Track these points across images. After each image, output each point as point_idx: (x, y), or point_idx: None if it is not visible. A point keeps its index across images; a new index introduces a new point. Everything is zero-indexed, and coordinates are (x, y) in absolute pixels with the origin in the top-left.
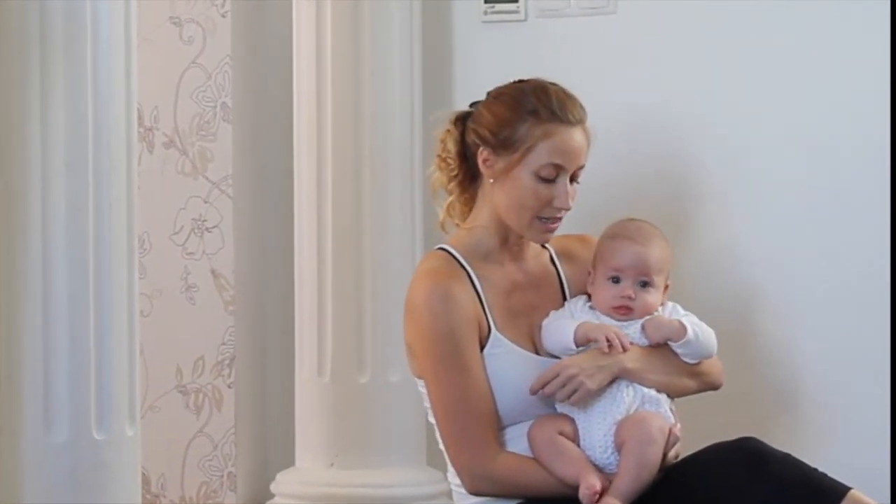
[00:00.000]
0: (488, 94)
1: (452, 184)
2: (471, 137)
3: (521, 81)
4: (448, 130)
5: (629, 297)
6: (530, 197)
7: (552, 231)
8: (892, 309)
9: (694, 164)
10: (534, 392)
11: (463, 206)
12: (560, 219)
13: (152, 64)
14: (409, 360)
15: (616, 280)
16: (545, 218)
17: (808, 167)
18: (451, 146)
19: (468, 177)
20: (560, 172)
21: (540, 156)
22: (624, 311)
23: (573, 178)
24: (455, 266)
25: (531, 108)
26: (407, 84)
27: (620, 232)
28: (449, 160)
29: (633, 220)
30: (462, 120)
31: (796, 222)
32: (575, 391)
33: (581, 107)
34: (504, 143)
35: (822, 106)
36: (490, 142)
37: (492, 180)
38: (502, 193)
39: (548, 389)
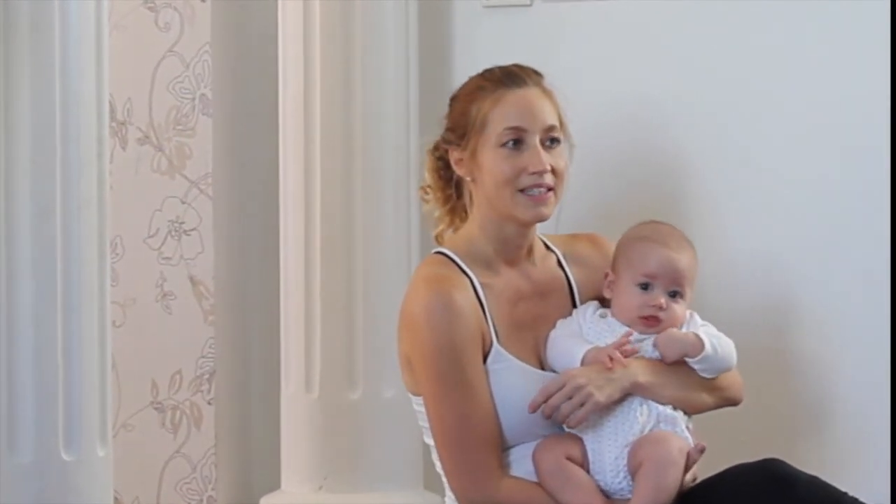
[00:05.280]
0: (449, 99)
1: (442, 212)
2: (442, 149)
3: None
4: (426, 161)
5: (660, 307)
6: (501, 171)
7: (544, 202)
8: None
9: (712, 160)
10: (534, 408)
11: (458, 228)
12: (548, 187)
13: (125, 52)
14: (403, 375)
15: (646, 287)
16: (527, 190)
17: (844, 169)
18: (429, 175)
19: (461, 201)
20: (523, 136)
21: (495, 125)
22: (653, 321)
23: (549, 144)
24: (456, 272)
25: (478, 87)
26: (402, 75)
27: (650, 235)
28: (428, 189)
29: (658, 222)
30: (437, 145)
31: (828, 227)
32: (582, 405)
33: (535, 72)
34: (463, 132)
35: (851, 105)
36: (453, 140)
37: (469, 178)
38: (480, 184)
39: (552, 402)
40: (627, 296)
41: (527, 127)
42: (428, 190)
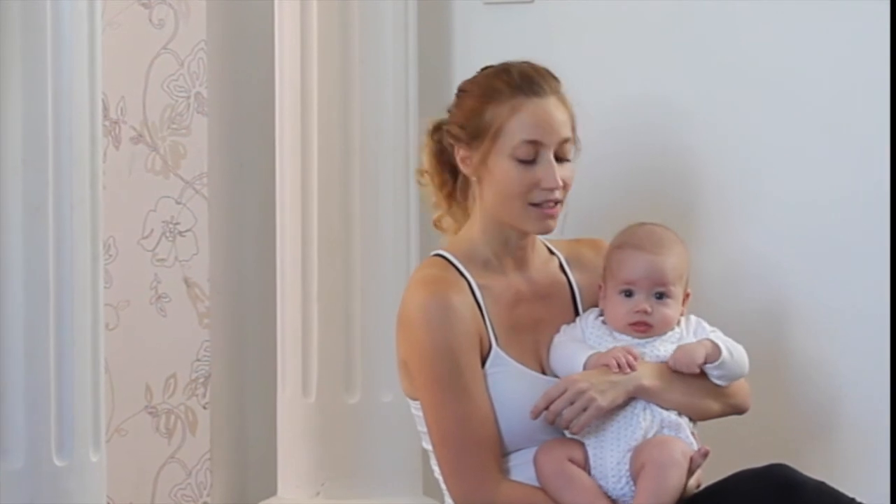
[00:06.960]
0: (457, 88)
1: (439, 197)
2: (446, 140)
3: (486, 68)
4: (425, 144)
5: (645, 312)
6: (513, 183)
7: (552, 216)
8: None
9: (716, 157)
10: (536, 414)
11: (460, 217)
12: (558, 201)
13: (119, 50)
14: (401, 379)
15: (629, 294)
16: (538, 203)
17: (846, 172)
18: (427, 159)
19: (458, 186)
20: (539, 150)
21: (512, 136)
22: (642, 327)
23: (562, 157)
24: (454, 274)
25: (494, 89)
26: (401, 73)
27: (628, 240)
28: (426, 174)
29: (642, 224)
30: (438, 128)
31: (829, 230)
32: (585, 409)
33: (553, 77)
34: (474, 134)
35: (852, 107)
36: (462, 137)
37: (475, 178)
38: (487, 188)
39: (553, 407)
40: (614, 305)
41: (544, 141)
42: (424, 174)
